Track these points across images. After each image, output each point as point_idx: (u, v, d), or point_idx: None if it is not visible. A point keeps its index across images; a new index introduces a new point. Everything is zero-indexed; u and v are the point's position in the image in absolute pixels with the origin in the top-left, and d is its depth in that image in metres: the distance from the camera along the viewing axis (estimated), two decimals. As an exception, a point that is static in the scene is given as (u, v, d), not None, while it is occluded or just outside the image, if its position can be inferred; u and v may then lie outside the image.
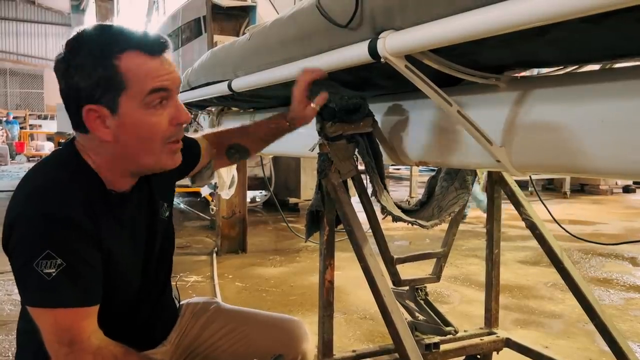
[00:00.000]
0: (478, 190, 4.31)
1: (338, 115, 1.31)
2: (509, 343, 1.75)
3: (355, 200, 1.35)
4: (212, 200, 4.81)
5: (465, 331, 1.75)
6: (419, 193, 3.96)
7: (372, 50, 1.01)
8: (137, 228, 1.08)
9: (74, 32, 0.96)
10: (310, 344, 1.31)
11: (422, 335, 1.60)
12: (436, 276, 1.69)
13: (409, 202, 5.88)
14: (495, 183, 1.69)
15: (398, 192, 8.15)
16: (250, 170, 5.28)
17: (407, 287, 1.65)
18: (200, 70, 2.29)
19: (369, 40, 1.02)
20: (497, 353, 1.79)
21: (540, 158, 1.03)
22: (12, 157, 15.00)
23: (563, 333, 2.58)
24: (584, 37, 0.85)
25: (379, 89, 1.47)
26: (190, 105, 2.57)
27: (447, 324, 1.61)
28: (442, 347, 1.60)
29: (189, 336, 1.26)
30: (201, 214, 5.77)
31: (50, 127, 17.77)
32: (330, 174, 1.34)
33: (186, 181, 1.41)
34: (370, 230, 1.40)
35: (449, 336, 1.61)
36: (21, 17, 22.96)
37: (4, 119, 17.92)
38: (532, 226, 1.59)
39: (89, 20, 18.89)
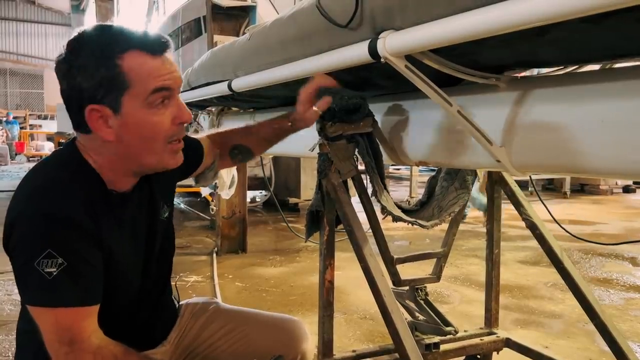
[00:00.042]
0: (475, 189, 4.30)
1: (338, 115, 1.31)
2: (509, 343, 1.74)
3: (355, 200, 1.34)
4: (212, 200, 4.81)
5: (465, 331, 1.75)
6: (419, 193, 3.96)
7: (372, 50, 1.01)
8: (137, 228, 1.08)
9: (74, 33, 0.96)
10: (310, 344, 1.31)
11: (422, 335, 1.60)
12: (436, 276, 1.69)
13: (409, 202, 5.87)
14: (495, 183, 1.69)
15: (398, 192, 8.15)
16: (250, 170, 5.28)
17: (407, 287, 1.65)
18: (200, 70, 2.29)
19: (369, 40, 1.02)
20: (497, 353, 1.79)
21: (540, 158, 1.03)
22: (12, 157, 15.02)
23: (563, 333, 2.58)
24: (584, 37, 0.85)
25: (379, 89, 1.46)
26: (190, 105, 2.56)
27: (447, 324, 1.61)
28: (442, 347, 1.59)
29: (188, 336, 1.27)
30: (201, 214, 5.78)
31: (51, 127, 17.76)
32: (330, 174, 1.34)
33: (188, 181, 1.41)
34: (370, 230, 1.40)
35: (449, 336, 1.61)
36: (21, 17, 22.97)
37: (4, 119, 17.92)
38: (532, 226, 1.59)
39: (89, 20, 18.91)
